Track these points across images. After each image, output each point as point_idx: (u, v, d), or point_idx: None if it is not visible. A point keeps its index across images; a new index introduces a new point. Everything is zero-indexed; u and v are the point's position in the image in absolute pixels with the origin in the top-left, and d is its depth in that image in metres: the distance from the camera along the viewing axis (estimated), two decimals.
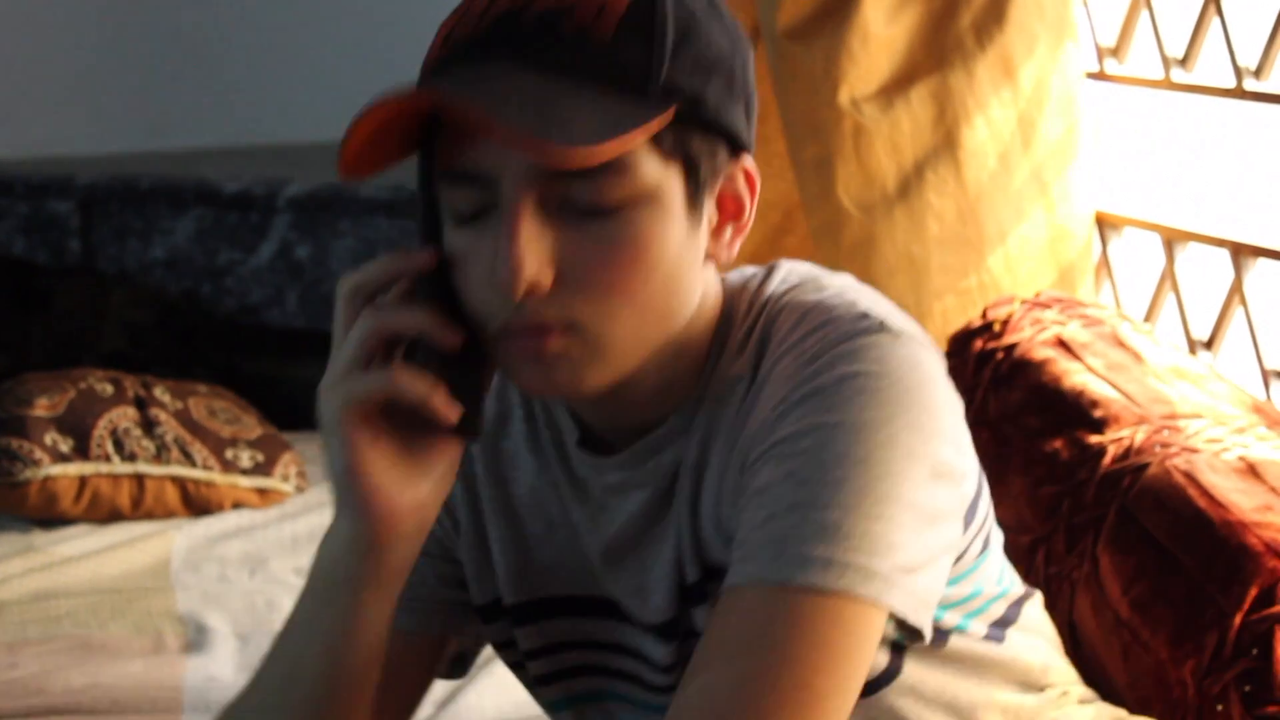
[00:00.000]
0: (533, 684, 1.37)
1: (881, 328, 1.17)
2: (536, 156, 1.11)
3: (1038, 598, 1.43)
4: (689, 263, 1.18)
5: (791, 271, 1.26)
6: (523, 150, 1.11)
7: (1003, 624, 1.37)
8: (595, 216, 1.14)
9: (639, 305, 1.16)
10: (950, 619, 1.29)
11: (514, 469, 1.32)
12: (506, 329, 1.15)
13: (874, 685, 1.25)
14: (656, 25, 1.14)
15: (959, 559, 1.27)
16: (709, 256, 1.20)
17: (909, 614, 1.14)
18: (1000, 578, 1.36)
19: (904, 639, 1.23)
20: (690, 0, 1.17)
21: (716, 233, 1.20)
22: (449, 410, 1.15)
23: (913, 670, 1.28)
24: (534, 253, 1.12)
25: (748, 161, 1.20)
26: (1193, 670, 1.48)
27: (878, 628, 1.13)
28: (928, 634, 1.17)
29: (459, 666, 1.43)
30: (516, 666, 1.38)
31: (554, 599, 1.33)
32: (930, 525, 1.14)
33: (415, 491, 1.17)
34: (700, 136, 1.16)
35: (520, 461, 1.32)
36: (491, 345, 1.18)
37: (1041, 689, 1.40)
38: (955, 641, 1.31)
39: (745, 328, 1.23)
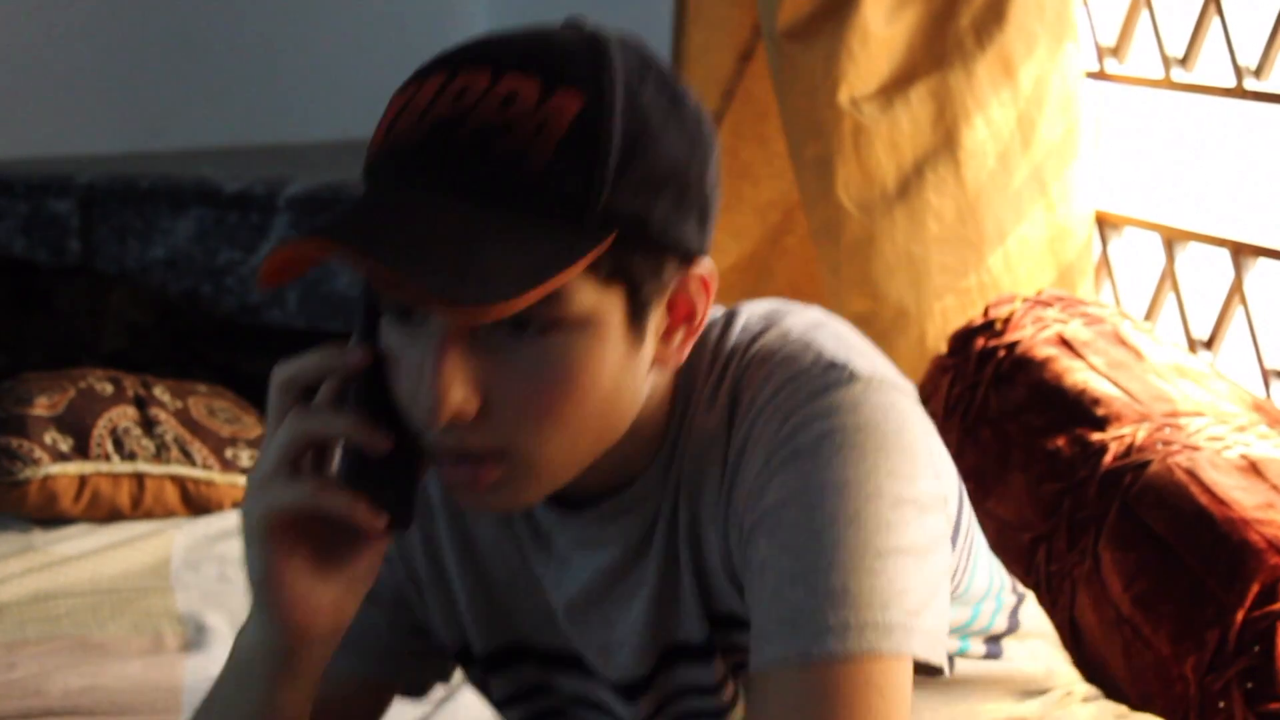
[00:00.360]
0: None
1: (851, 378, 1.15)
2: (451, 317, 1.07)
3: (1031, 599, 1.43)
4: (629, 380, 1.14)
5: (751, 316, 1.23)
6: (437, 309, 1.07)
7: (1000, 637, 1.36)
8: (524, 341, 1.09)
9: (572, 430, 1.12)
10: (950, 643, 1.28)
11: (476, 519, 1.30)
12: (436, 448, 1.12)
13: None
14: (600, 144, 1.07)
15: (955, 583, 1.27)
16: (657, 361, 1.16)
17: (930, 656, 1.13)
18: (990, 581, 1.35)
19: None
20: (647, 104, 1.10)
21: (666, 337, 1.16)
22: (373, 521, 1.12)
23: (914, 700, 1.28)
24: (459, 382, 1.08)
25: (703, 267, 1.15)
26: (1194, 666, 1.48)
27: (908, 677, 1.12)
28: (947, 669, 1.16)
29: (419, 689, 1.41)
30: (495, 707, 1.37)
31: (522, 646, 1.31)
32: (926, 559, 1.14)
33: (333, 593, 1.15)
34: (644, 256, 1.10)
35: (484, 513, 1.29)
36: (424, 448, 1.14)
37: (1044, 693, 1.41)
38: (958, 666, 1.31)
39: (712, 383, 1.20)
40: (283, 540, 1.13)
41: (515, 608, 1.30)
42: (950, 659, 1.28)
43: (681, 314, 1.15)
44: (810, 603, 1.10)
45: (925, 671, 1.16)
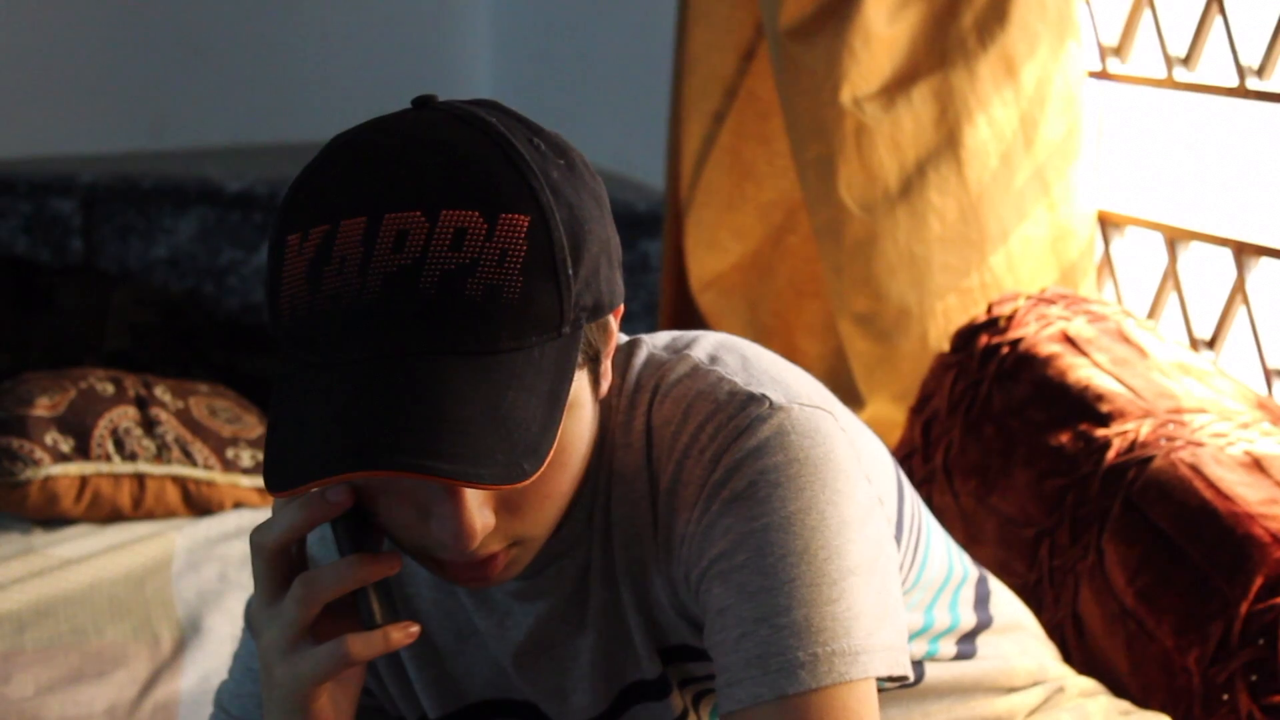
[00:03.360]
0: None
1: (771, 409, 1.17)
2: (488, 489, 1.08)
3: (1004, 592, 1.44)
4: (593, 427, 1.17)
5: (653, 346, 1.25)
6: (473, 488, 1.07)
7: (973, 634, 1.37)
8: None
9: (565, 497, 1.16)
10: (918, 648, 1.31)
11: (415, 584, 1.31)
12: (450, 564, 1.14)
13: None
14: (556, 255, 1.07)
15: (904, 578, 1.30)
16: (598, 401, 1.19)
17: (895, 669, 1.16)
18: (950, 569, 1.37)
19: (884, 685, 1.24)
20: (564, 189, 1.09)
21: (604, 374, 1.18)
22: (410, 632, 1.14)
23: (884, 700, 1.30)
24: (478, 506, 1.10)
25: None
26: (1197, 659, 1.48)
27: (874, 697, 1.15)
28: (911, 674, 1.19)
29: None
30: None
31: (475, 705, 1.33)
32: (874, 569, 1.16)
33: (348, 716, 1.18)
34: (597, 327, 1.13)
35: (420, 575, 1.30)
36: (415, 556, 1.16)
37: (1033, 686, 1.41)
38: (930, 672, 1.33)
39: (623, 419, 1.22)
40: (319, 701, 1.15)
41: (464, 670, 1.32)
42: (920, 664, 1.31)
43: (609, 349, 1.17)
44: (776, 641, 1.12)
45: (895, 682, 1.19)
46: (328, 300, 1.05)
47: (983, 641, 1.39)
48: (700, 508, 1.17)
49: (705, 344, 1.24)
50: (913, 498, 1.34)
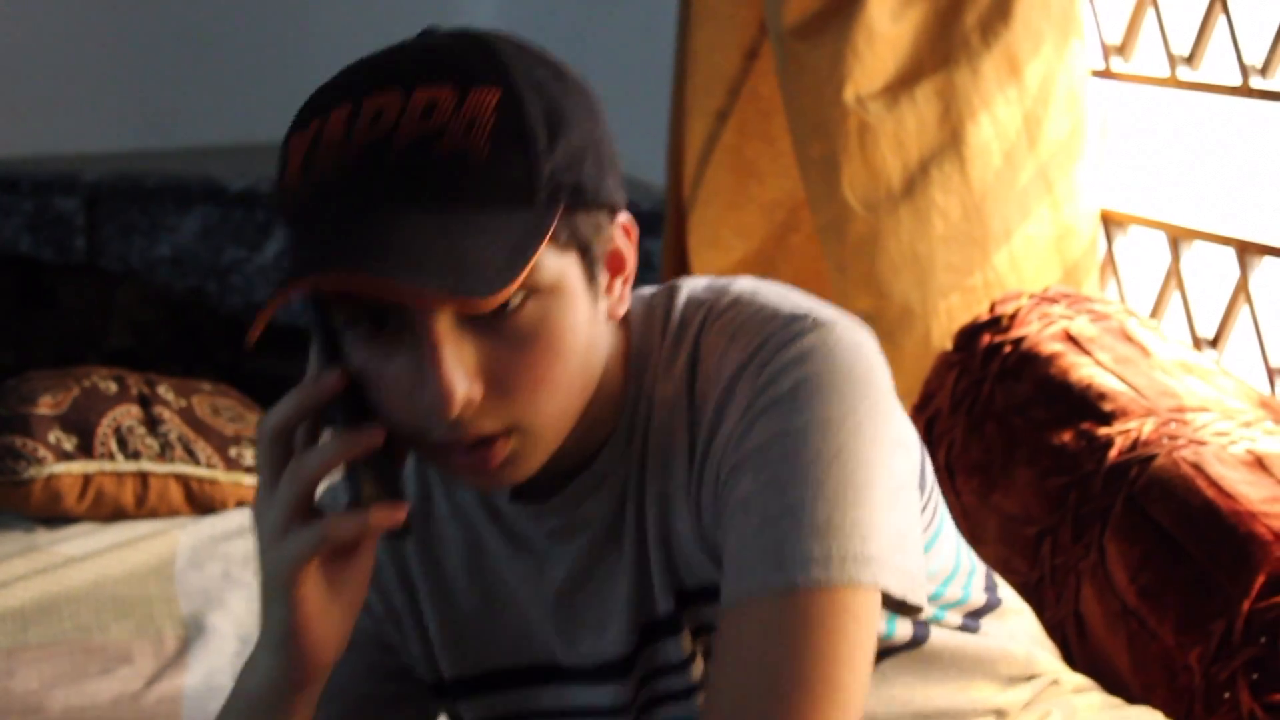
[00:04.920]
0: None
1: (815, 324, 1.20)
2: (460, 309, 1.12)
3: (1005, 587, 1.45)
4: (595, 332, 1.20)
5: (694, 288, 1.29)
6: (444, 308, 1.12)
7: (979, 614, 1.38)
8: (506, 320, 1.14)
9: (563, 390, 1.18)
10: (926, 610, 1.31)
11: (443, 546, 1.34)
12: (444, 445, 1.16)
13: None
14: (527, 127, 1.13)
15: (923, 535, 1.31)
16: (609, 315, 1.23)
17: (907, 594, 1.18)
18: (958, 562, 1.39)
19: (895, 619, 1.27)
20: (547, 86, 1.15)
21: (609, 289, 1.22)
22: (393, 514, 1.16)
23: (890, 668, 1.31)
24: (461, 373, 1.13)
25: (623, 217, 1.22)
26: (1199, 657, 1.48)
27: (878, 610, 1.17)
28: (925, 606, 1.21)
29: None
30: None
31: (493, 672, 1.35)
32: (899, 497, 1.19)
33: (340, 623, 1.20)
34: (586, 218, 1.17)
35: (449, 536, 1.34)
36: (416, 447, 1.19)
37: (1028, 679, 1.41)
38: (935, 636, 1.34)
39: (668, 352, 1.26)
40: (303, 587, 1.17)
41: (488, 635, 1.34)
42: (925, 625, 1.33)
43: (617, 267, 1.22)
44: (796, 535, 1.14)
45: (903, 611, 1.21)
46: (315, 177, 1.13)
47: (987, 622, 1.40)
48: (740, 415, 1.19)
49: (744, 282, 1.28)
50: (932, 473, 1.37)
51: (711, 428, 1.21)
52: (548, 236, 1.13)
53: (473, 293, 1.09)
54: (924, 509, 1.31)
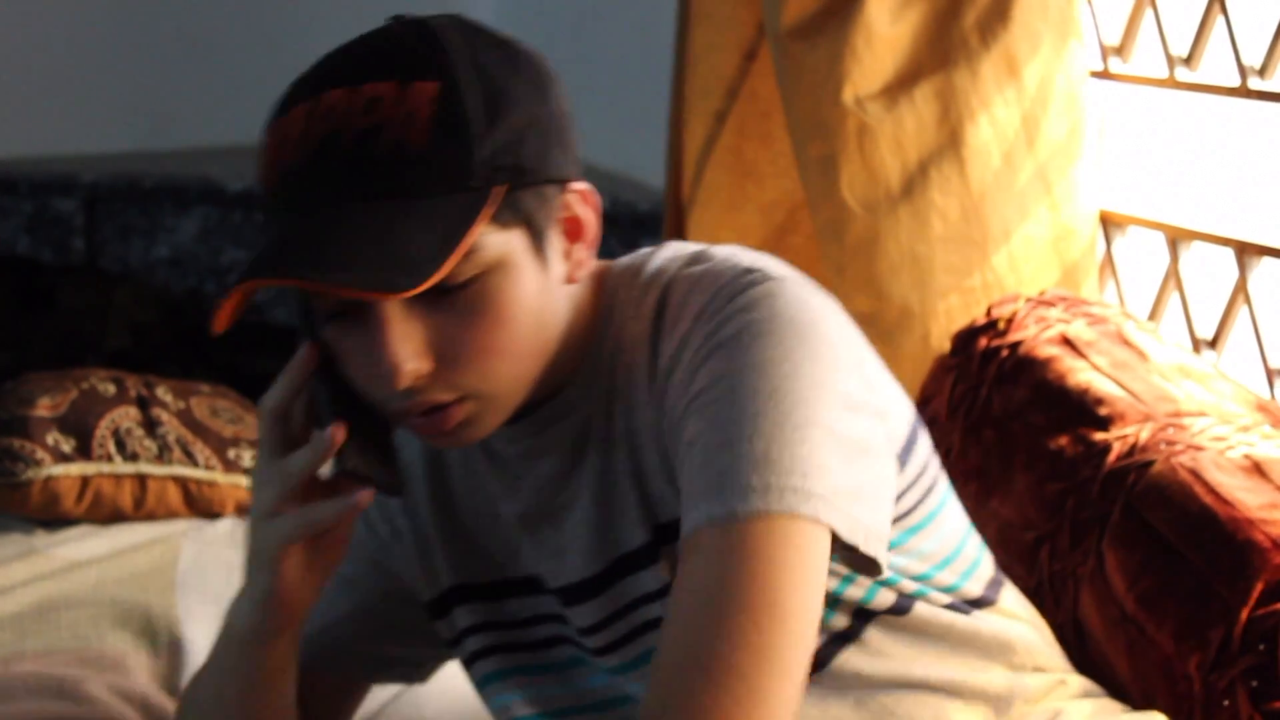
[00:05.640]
0: (483, 681, 1.48)
1: (764, 277, 1.27)
2: (384, 297, 1.20)
3: (1011, 587, 1.45)
4: (547, 299, 1.27)
5: (679, 249, 1.36)
6: (370, 298, 1.20)
7: (974, 604, 1.39)
8: (453, 297, 1.22)
9: (515, 356, 1.26)
10: (909, 585, 1.36)
11: (448, 467, 1.45)
12: (403, 411, 1.26)
13: (834, 645, 1.33)
14: (463, 115, 1.20)
15: (909, 512, 1.35)
16: (569, 278, 1.30)
17: (859, 541, 1.21)
18: (961, 546, 1.40)
19: (854, 576, 1.31)
20: (488, 67, 1.23)
21: (568, 254, 1.30)
22: (365, 497, 1.28)
23: (875, 635, 1.34)
24: (408, 346, 1.22)
25: (577, 184, 1.29)
26: (1198, 664, 1.48)
27: (825, 548, 1.19)
28: (884, 565, 1.24)
29: (420, 672, 1.60)
30: (466, 664, 1.50)
31: (490, 584, 1.44)
32: (858, 456, 1.22)
33: (318, 581, 1.33)
34: (529, 194, 1.24)
35: (452, 457, 1.44)
36: (384, 411, 1.29)
37: (1032, 670, 1.42)
38: (919, 610, 1.37)
39: (637, 295, 1.33)
40: (285, 561, 1.30)
41: (483, 546, 1.44)
42: (910, 598, 1.35)
43: (575, 232, 1.29)
44: (735, 466, 1.19)
45: (861, 568, 1.25)
46: (279, 172, 1.22)
47: (980, 614, 1.41)
48: (691, 359, 1.26)
49: (728, 248, 1.35)
50: (931, 454, 1.40)
51: (667, 373, 1.28)
52: (485, 218, 1.20)
53: (395, 287, 1.16)
54: (913, 486, 1.35)
